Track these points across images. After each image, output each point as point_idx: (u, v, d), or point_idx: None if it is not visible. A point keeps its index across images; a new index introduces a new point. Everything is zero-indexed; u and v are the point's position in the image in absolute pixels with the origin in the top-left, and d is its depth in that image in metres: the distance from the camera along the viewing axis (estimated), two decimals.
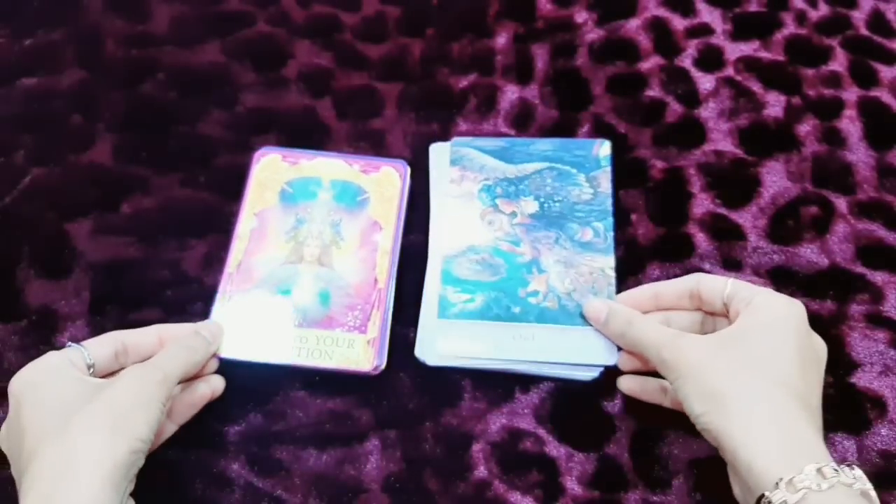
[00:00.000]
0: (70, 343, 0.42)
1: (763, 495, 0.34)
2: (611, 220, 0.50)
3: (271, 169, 0.53)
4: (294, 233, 0.50)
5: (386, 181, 0.53)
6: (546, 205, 0.51)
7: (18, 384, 0.39)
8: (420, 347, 0.48)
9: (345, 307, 0.48)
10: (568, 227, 0.50)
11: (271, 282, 0.49)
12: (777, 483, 0.34)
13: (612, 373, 0.47)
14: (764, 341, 0.39)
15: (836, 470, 0.34)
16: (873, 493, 0.35)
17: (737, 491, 0.39)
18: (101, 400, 0.37)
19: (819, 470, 0.34)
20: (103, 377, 0.41)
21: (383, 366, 0.47)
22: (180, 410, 0.44)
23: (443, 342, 0.47)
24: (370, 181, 0.52)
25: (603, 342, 0.46)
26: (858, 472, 0.35)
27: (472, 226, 0.51)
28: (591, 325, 0.47)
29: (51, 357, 0.40)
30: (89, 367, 0.41)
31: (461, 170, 0.53)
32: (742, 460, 0.35)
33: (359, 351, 0.47)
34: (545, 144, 0.54)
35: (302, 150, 0.54)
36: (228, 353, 0.46)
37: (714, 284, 0.43)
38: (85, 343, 0.42)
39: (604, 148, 0.53)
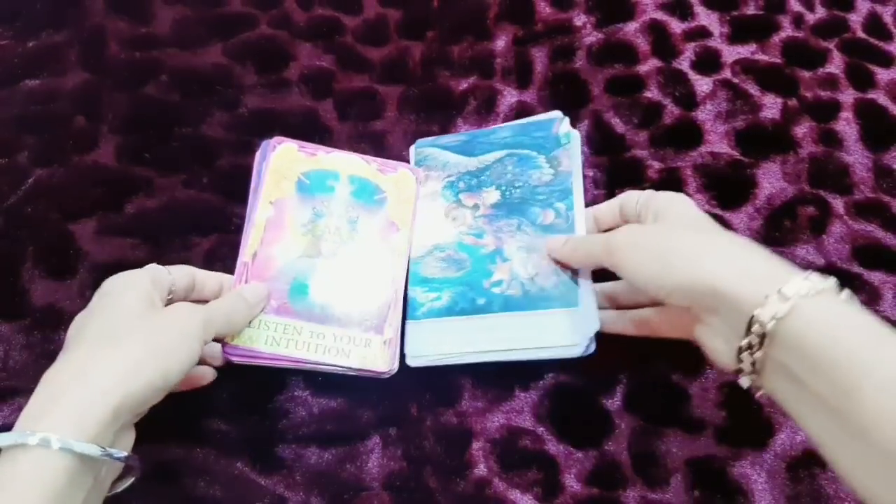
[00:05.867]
0: (157, 265, 0.43)
1: (752, 319, 0.33)
2: (572, 198, 0.49)
3: (288, 158, 0.52)
4: (311, 226, 0.50)
5: (403, 183, 0.52)
6: (507, 192, 0.51)
7: (103, 286, 0.41)
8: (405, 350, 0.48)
9: (362, 306, 0.48)
10: (530, 212, 0.49)
11: (288, 274, 0.48)
12: (766, 297, 0.33)
13: (611, 371, 0.48)
14: (682, 213, 0.42)
15: (822, 277, 0.34)
16: (856, 301, 0.34)
17: (716, 344, 0.38)
18: (145, 328, 0.38)
19: (806, 279, 0.33)
20: None
21: (396, 368, 0.47)
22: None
23: (413, 343, 0.47)
24: (388, 181, 0.52)
25: (571, 320, 0.45)
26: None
27: (437, 224, 0.51)
28: (554, 308, 0.46)
29: (139, 272, 0.41)
30: (170, 291, 0.42)
31: (425, 170, 0.53)
32: (724, 293, 0.35)
33: (375, 351, 0.46)
34: (505, 131, 0.53)
35: (318, 145, 0.53)
36: (245, 342, 0.45)
37: (631, 197, 0.46)
38: (169, 268, 0.43)
39: (563, 125, 0.52)
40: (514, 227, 0.49)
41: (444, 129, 0.57)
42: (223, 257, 0.52)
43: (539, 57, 0.61)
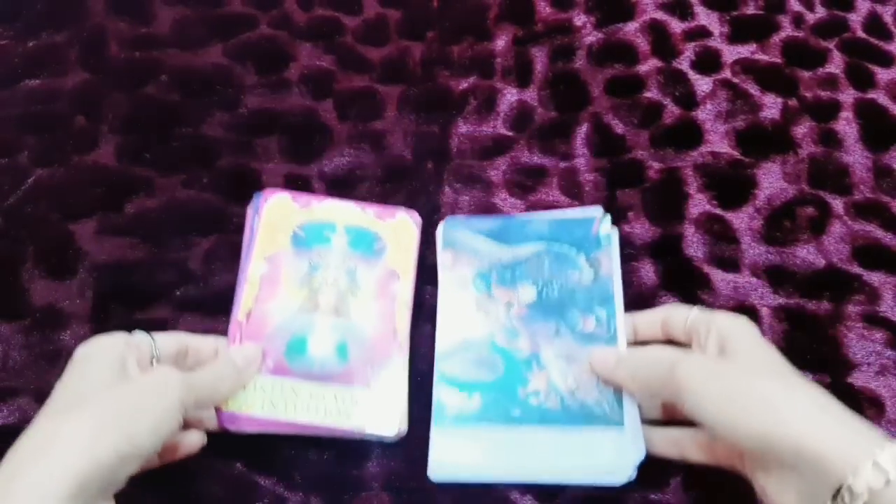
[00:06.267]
0: (141, 331, 0.41)
1: (843, 487, 0.31)
2: (614, 305, 0.47)
3: (281, 211, 0.49)
4: (308, 279, 0.47)
5: (402, 229, 0.50)
6: (544, 291, 0.47)
7: (78, 352, 0.39)
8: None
9: (363, 361, 0.45)
10: (569, 317, 0.46)
11: (285, 331, 0.46)
12: (859, 466, 0.31)
13: None
14: (753, 348, 0.39)
15: None
16: None
17: (786, 499, 0.35)
18: (114, 393, 0.36)
19: None
20: None
21: (406, 430, 0.45)
22: (167, 447, 0.41)
23: (439, 454, 0.44)
24: (386, 228, 0.50)
25: (615, 444, 0.43)
26: None
27: (467, 317, 0.47)
28: (597, 427, 0.43)
29: (116, 336, 0.40)
30: (153, 358, 0.41)
31: (454, 253, 0.49)
32: (810, 454, 0.33)
33: (379, 411, 0.44)
34: (542, 223, 0.50)
35: (311, 194, 0.51)
36: (240, 407, 0.44)
37: (679, 314, 0.44)
38: (155, 335, 0.42)
39: (604, 225, 0.49)
40: (551, 332, 0.46)
41: (444, 129, 0.57)
42: (223, 257, 0.52)
43: (539, 57, 0.61)
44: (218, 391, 0.42)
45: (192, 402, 0.39)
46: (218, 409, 0.43)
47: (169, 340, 0.42)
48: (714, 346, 0.40)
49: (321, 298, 0.47)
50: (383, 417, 0.44)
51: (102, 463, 0.33)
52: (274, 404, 0.44)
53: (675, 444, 0.43)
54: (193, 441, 0.42)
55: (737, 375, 0.37)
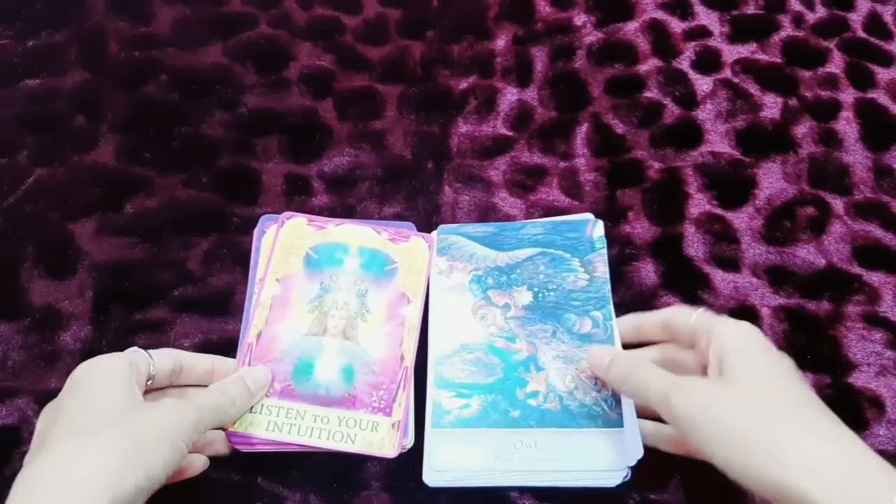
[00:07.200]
0: (137, 349, 0.41)
1: None
2: (610, 307, 0.47)
3: (296, 233, 0.50)
4: (318, 302, 0.48)
5: (415, 251, 0.50)
6: (540, 295, 0.48)
7: (77, 372, 0.38)
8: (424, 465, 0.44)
9: (369, 385, 0.46)
10: (565, 319, 0.47)
11: (293, 355, 0.46)
12: None
13: None
14: (752, 365, 0.38)
15: None
16: None
17: None
18: (129, 423, 0.36)
19: None
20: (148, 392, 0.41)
21: (410, 444, 0.45)
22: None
23: (435, 456, 0.44)
24: (399, 251, 0.50)
25: (614, 444, 0.43)
26: None
27: (464, 321, 0.48)
28: (596, 428, 0.44)
29: (116, 357, 0.39)
30: (150, 377, 0.41)
31: (449, 259, 0.50)
32: None
33: (383, 435, 0.44)
34: (535, 228, 0.51)
35: (328, 218, 0.51)
36: (245, 428, 0.44)
37: (682, 316, 0.43)
38: (151, 352, 0.41)
39: (597, 228, 0.50)
40: (548, 334, 0.47)
41: (444, 129, 0.57)
42: (222, 257, 0.52)
43: (539, 56, 0.61)
44: (228, 415, 0.42)
45: (202, 428, 0.39)
46: (225, 430, 0.44)
47: (164, 358, 0.42)
48: (714, 359, 0.39)
49: (330, 322, 0.47)
50: (387, 441, 0.44)
51: (122, 498, 0.33)
52: (279, 427, 0.44)
53: (650, 438, 0.44)
54: (196, 465, 0.43)
55: (738, 410, 0.36)
